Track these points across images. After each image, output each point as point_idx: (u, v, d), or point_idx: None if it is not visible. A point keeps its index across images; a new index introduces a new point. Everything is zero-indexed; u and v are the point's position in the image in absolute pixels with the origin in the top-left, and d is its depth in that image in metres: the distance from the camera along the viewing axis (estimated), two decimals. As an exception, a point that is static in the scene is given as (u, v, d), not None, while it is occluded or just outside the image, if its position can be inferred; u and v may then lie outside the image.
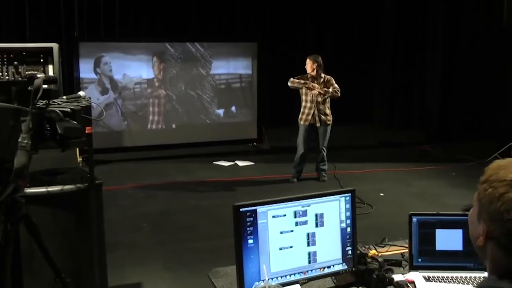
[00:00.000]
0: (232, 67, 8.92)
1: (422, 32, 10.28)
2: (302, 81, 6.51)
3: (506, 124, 8.42)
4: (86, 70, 7.96)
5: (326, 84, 6.52)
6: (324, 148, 6.71)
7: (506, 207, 1.11)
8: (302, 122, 6.65)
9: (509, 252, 1.13)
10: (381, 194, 6.33)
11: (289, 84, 6.61)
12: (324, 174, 6.85)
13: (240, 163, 7.94)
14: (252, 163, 7.97)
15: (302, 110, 6.64)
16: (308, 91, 6.49)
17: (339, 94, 6.49)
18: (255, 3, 9.96)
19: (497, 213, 1.12)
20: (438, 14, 9.90)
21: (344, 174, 7.00)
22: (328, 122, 6.61)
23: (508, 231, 1.11)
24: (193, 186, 6.74)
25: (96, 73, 8.04)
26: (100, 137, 7.54)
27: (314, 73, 6.51)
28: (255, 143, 9.05)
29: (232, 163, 7.95)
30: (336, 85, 6.50)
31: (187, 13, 9.59)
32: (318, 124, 6.57)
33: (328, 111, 6.60)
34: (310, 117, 6.56)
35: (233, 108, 9.00)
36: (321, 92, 6.40)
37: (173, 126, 8.60)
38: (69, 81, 7.88)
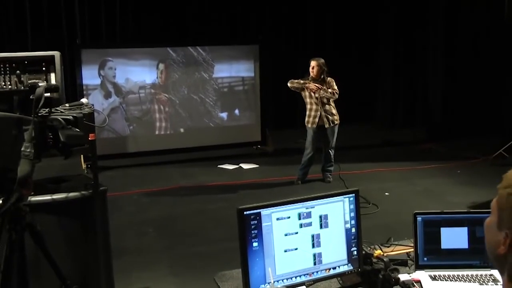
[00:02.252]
0: (234, 70, 8.93)
1: (423, 30, 10.25)
2: (302, 81, 6.50)
3: (510, 120, 8.38)
4: (89, 76, 7.99)
5: (327, 86, 6.50)
6: (332, 148, 6.69)
7: None
8: (309, 125, 6.60)
9: None
10: (386, 193, 6.31)
11: (288, 85, 6.59)
12: (329, 175, 6.82)
13: (245, 166, 7.94)
14: (257, 166, 7.96)
15: (308, 113, 6.59)
16: (308, 91, 6.47)
17: (336, 96, 6.45)
18: (255, 5, 9.96)
19: None
20: (439, 10, 9.88)
21: (349, 174, 6.99)
22: (336, 122, 6.57)
23: None
24: (198, 190, 6.75)
25: (99, 75, 8.07)
26: (105, 143, 7.56)
27: (317, 76, 6.49)
28: (259, 146, 9.04)
29: (236, 166, 7.95)
30: (335, 87, 6.46)
31: (188, 17, 9.59)
32: (326, 125, 6.53)
33: (334, 111, 6.56)
34: (317, 119, 6.52)
35: (237, 111, 9.01)
36: (319, 87, 6.38)
37: (182, 130, 8.62)
38: (72, 88, 7.90)
